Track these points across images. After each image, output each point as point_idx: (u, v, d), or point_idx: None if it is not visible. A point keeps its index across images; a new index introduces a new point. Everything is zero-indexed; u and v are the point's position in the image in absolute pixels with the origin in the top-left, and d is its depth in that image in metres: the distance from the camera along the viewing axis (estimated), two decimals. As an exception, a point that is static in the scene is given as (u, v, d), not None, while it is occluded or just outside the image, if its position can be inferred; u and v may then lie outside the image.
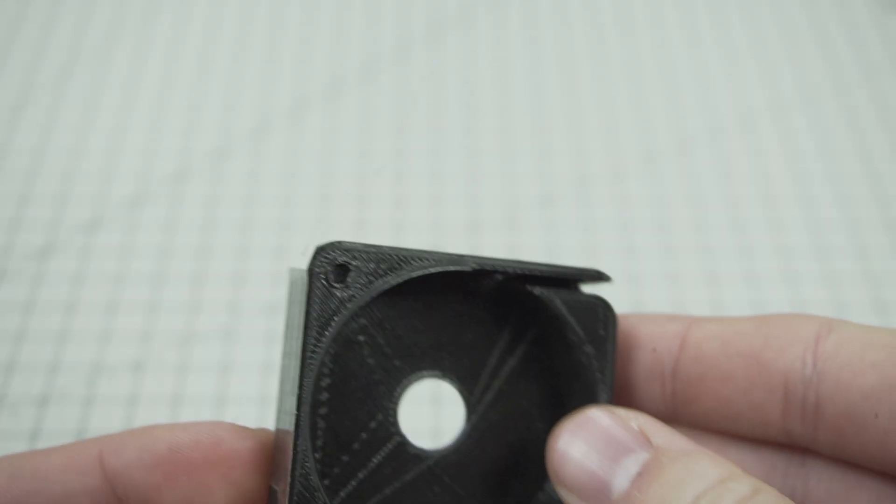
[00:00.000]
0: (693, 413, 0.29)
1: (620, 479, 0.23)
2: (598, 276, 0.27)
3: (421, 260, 0.25)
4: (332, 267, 0.25)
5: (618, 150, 0.54)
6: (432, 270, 0.25)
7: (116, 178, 0.52)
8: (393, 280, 0.25)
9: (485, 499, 0.27)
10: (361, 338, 0.26)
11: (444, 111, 0.55)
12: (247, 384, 0.44)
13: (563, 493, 0.24)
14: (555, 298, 0.26)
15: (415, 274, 0.25)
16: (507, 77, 0.57)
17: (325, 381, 0.26)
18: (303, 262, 0.25)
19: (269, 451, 0.27)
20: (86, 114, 0.55)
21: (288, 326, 0.26)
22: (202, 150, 0.54)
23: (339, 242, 0.25)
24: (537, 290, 0.26)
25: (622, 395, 0.29)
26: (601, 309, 0.27)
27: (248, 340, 0.46)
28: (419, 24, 0.60)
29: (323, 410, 0.26)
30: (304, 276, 0.25)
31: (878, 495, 0.27)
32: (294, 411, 0.25)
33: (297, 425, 0.25)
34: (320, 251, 0.25)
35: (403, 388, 0.27)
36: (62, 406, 0.43)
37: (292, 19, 0.60)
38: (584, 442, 0.24)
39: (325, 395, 0.26)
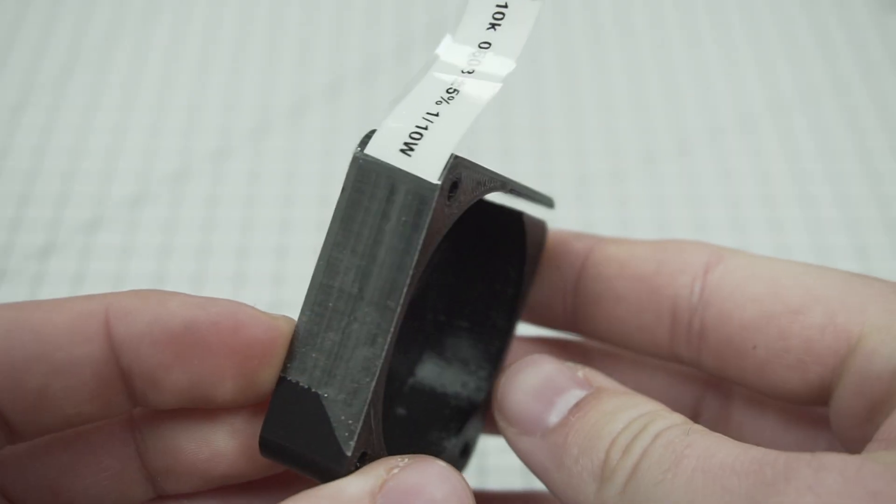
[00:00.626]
0: (591, 331, 0.30)
1: (559, 408, 0.25)
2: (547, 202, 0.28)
3: (492, 182, 0.26)
4: (450, 184, 0.24)
5: (618, 150, 0.54)
6: (493, 192, 0.26)
7: (116, 178, 0.52)
8: (479, 194, 0.25)
9: (439, 347, 0.30)
10: None
11: (445, 111, 0.55)
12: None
13: (503, 426, 0.26)
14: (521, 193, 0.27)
15: (494, 190, 0.26)
16: (507, 77, 0.57)
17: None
18: (365, 147, 0.24)
19: (287, 340, 0.25)
20: (86, 114, 0.55)
21: (349, 221, 0.24)
22: (202, 150, 0.54)
23: (460, 159, 0.24)
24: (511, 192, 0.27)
25: (528, 309, 0.31)
26: (540, 230, 0.29)
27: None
28: (419, 24, 0.60)
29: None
30: (408, 182, 0.23)
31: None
32: (378, 321, 0.23)
33: (388, 342, 0.23)
34: (452, 168, 0.24)
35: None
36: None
37: (292, 19, 0.60)
38: (527, 378, 0.26)
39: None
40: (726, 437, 0.23)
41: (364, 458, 0.23)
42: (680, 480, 0.22)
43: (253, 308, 0.25)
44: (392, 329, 0.23)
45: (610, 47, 0.59)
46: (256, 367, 0.24)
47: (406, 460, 0.24)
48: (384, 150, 0.23)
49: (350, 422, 0.23)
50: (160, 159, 0.53)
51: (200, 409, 0.25)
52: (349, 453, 0.23)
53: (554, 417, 0.25)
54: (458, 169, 0.23)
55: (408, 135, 0.23)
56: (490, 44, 0.26)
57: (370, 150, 0.23)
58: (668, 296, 0.28)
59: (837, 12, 0.60)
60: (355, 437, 0.23)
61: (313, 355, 0.24)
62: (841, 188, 0.52)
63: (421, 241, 0.23)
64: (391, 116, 0.24)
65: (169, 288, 0.48)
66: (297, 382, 0.24)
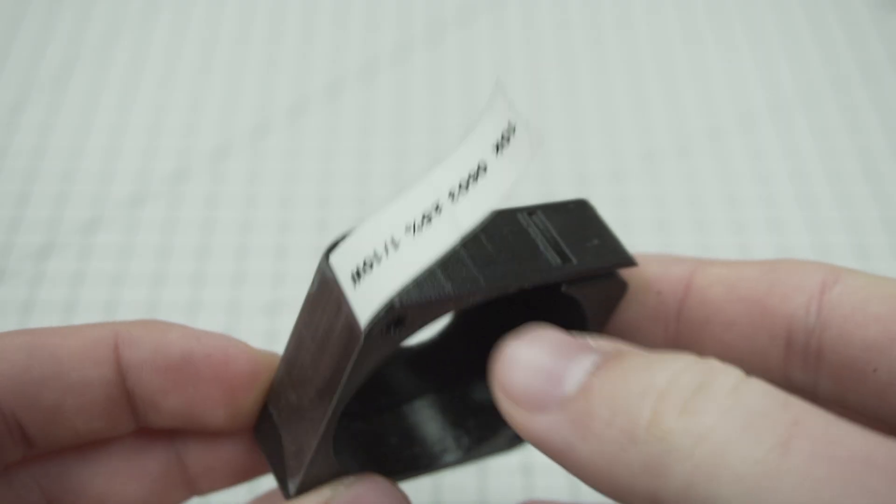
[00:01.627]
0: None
1: (575, 374, 0.21)
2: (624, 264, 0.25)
3: (466, 297, 0.23)
4: (385, 325, 0.23)
5: (617, 150, 0.54)
6: (479, 301, 0.24)
7: (116, 177, 0.52)
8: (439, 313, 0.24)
9: (447, 394, 0.29)
10: None
11: (444, 111, 0.55)
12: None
13: (507, 406, 0.22)
14: (583, 291, 0.25)
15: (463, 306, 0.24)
16: (507, 77, 0.57)
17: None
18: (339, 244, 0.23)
19: (272, 375, 0.27)
20: (85, 113, 0.55)
21: (312, 312, 0.25)
22: (202, 149, 0.53)
23: (396, 309, 0.23)
24: (569, 290, 0.25)
25: (625, 338, 0.28)
26: (616, 290, 0.26)
27: (247, 340, 0.45)
28: (419, 24, 0.60)
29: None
30: (347, 312, 0.23)
31: None
32: (318, 407, 0.25)
33: (324, 427, 0.25)
34: (388, 310, 0.22)
35: None
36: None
37: (292, 19, 0.60)
38: (530, 347, 0.22)
39: None
40: (839, 417, 0.19)
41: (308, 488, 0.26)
42: (794, 466, 0.18)
43: (243, 343, 0.27)
44: (325, 420, 0.25)
45: (609, 47, 0.59)
46: (241, 396, 0.27)
47: (352, 479, 0.26)
48: (342, 266, 0.23)
49: (295, 468, 0.26)
50: (159, 159, 0.53)
51: None
52: (291, 492, 0.26)
53: (571, 384, 0.21)
54: (397, 311, 0.22)
55: (363, 258, 0.22)
56: (486, 170, 0.23)
57: (334, 258, 0.23)
58: (782, 317, 0.26)
59: (838, 12, 0.60)
60: (297, 483, 0.26)
61: (283, 398, 0.26)
62: (841, 188, 0.52)
63: (348, 370, 0.23)
64: (360, 229, 0.22)
65: (168, 288, 0.48)
66: (271, 414, 0.27)
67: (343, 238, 0.23)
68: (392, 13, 0.60)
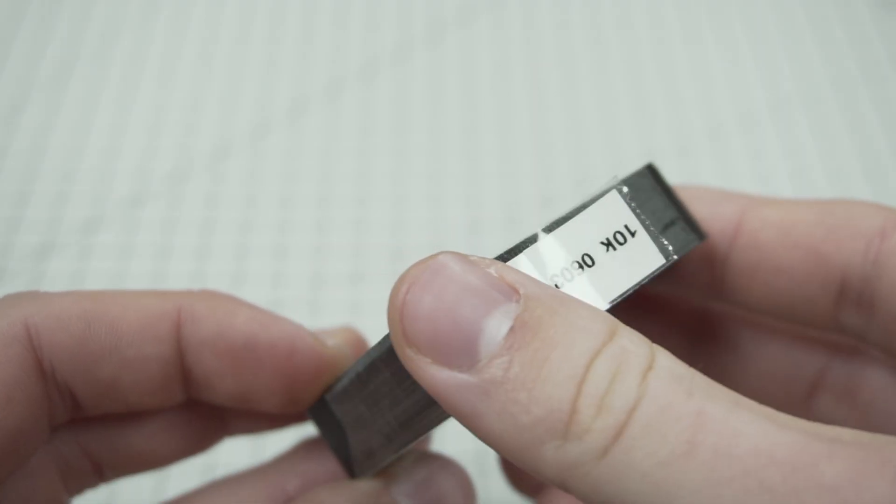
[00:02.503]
0: (741, 300, 0.27)
1: (489, 336, 0.19)
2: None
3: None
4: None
5: (618, 150, 0.54)
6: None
7: (115, 177, 0.52)
8: None
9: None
10: None
11: (444, 111, 0.55)
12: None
13: (409, 354, 0.20)
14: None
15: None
16: (507, 76, 0.57)
17: None
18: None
19: (334, 372, 0.27)
20: (84, 113, 0.55)
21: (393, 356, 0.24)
22: (202, 149, 0.53)
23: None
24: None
25: (666, 275, 0.27)
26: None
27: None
28: (419, 24, 0.60)
29: None
30: None
31: None
32: (390, 436, 0.24)
33: (395, 452, 0.24)
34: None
35: None
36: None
37: (292, 19, 0.60)
38: (436, 292, 0.20)
39: None
40: (744, 399, 0.18)
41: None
42: (697, 466, 0.18)
43: (311, 336, 0.27)
44: (405, 446, 0.24)
45: (610, 47, 0.59)
46: (301, 389, 0.26)
47: (414, 459, 0.25)
48: None
49: (366, 467, 0.25)
50: (159, 159, 0.53)
51: None
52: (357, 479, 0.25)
53: (484, 347, 0.19)
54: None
55: None
56: (592, 264, 0.21)
57: None
58: (837, 265, 0.25)
59: (838, 11, 0.60)
60: (364, 477, 0.25)
61: (350, 404, 0.25)
62: (842, 187, 0.52)
63: (434, 418, 0.23)
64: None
65: (167, 286, 0.48)
66: (332, 409, 0.26)
67: None
68: (392, 13, 0.60)
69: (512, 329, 0.19)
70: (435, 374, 0.19)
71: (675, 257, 0.21)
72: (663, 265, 0.21)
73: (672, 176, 0.52)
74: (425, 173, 0.52)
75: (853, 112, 0.55)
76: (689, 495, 0.17)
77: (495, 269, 0.20)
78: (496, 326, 0.19)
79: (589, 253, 0.21)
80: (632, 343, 0.19)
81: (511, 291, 0.19)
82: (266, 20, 0.60)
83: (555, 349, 0.19)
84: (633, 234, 0.21)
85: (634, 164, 0.53)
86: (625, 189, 0.22)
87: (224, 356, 0.26)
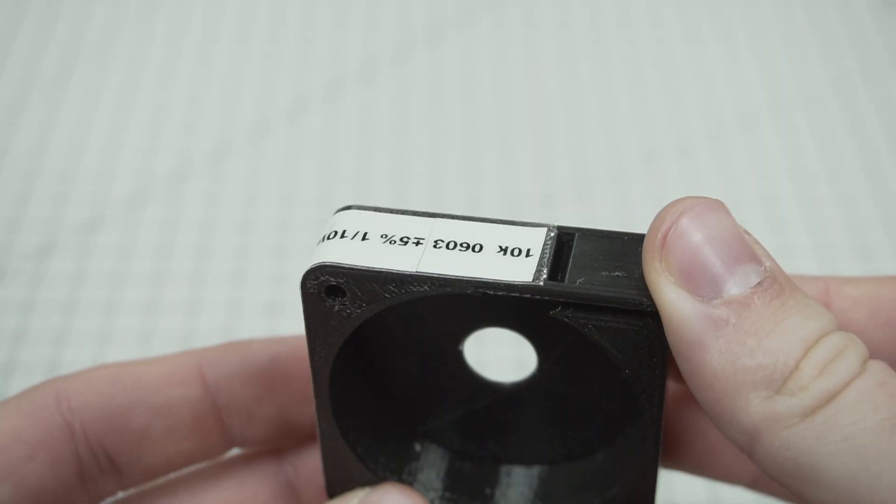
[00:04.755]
0: None
1: (739, 280, 0.21)
2: (639, 305, 0.22)
3: (419, 284, 0.22)
4: (324, 288, 0.23)
5: (618, 150, 0.54)
6: (429, 294, 0.22)
7: (115, 177, 0.52)
8: (389, 302, 0.23)
9: (564, 428, 0.27)
10: (399, 313, 0.25)
11: (444, 111, 0.55)
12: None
13: (656, 267, 0.21)
14: (586, 325, 0.22)
15: (405, 299, 0.23)
16: (507, 76, 0.57)
17: (372, 343, 0.26)
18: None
19: None
20: (85, 113, 0.55)
21: None
22: (202, 149, 0.53)
23: (328, 267, 0.23)
24: (561, 315, 0.22)
25: None
26: (645, 337, 0.22)
27: (247, 340, 0.45)
28: (419, 24, 0.60)
29: (369, 373, 0.26)
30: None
31: None
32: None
33: (318, 409, 0.25)
34: (309, 275, 0.23)
35: (465, 335, 0.26)
36: (61, 406, 0.43)
37: (292, 19, 0.60)
38: (711, 226, 0.21)
39: (373, 358, 0.26)
40: None
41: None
42: None
43: None
44: (319, 430, 0.25)
45: (610, 47, 0.59)
46: None
47: (373, 488, 0.26)
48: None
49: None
50: (159, 159, 0.53)
51: None
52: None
53: (733, 288, 0.21)
54: (328, 270, 0.23)
55: (346, 228, 0.25)
56: (479, 250, 0.23)
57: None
58: None
59: (838, 11, 0.60)
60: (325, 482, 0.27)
61: None
62: (842, 187, 0.52)
63: (305, 324, 0.24)
64: (376, 212, 0.25)
65: (168, 288, 0.48)
66: None
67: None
68: (392, 13, 0.60)
69: (760, 283, 0.21)
70: (674, 295, 0.21)
71: (541, 283, 0.22)
72: (521, 283, 0.22)
73: (672, 176, 0.52)
74: (425, 173, 0.52)
75: (853, 112, 0.55)
76: (890, 464, 0.18)
77: (759, 248, 0.22)
78: (746, 274, 0.21)
79: (482, 244, 0.23)
80: (855, 338, 0.21)
81: (760, 258, 0.21)
82: (266, 20, 0.60)
83: (792, 315, 0.20)
84: (527, 255, 0.22)
85: (634, 164, 0.53)
86: (554, 232, 0.23)
87: (255, 380, 0.27)
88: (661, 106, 0.56)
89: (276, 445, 0.29)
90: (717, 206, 0.21)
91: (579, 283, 0.22)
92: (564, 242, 0.23)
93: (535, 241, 0.23)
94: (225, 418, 0.27)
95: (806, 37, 0.59)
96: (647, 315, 0.22)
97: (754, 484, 0.28)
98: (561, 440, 0.27)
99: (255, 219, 0.50)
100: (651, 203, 0.51)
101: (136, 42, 0.58)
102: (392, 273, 0.22)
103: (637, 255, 0.22)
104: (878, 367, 0.20)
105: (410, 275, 0.22)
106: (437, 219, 0.23)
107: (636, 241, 0.22)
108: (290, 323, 0.45)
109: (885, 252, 0.49)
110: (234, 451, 0.29)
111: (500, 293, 0.22)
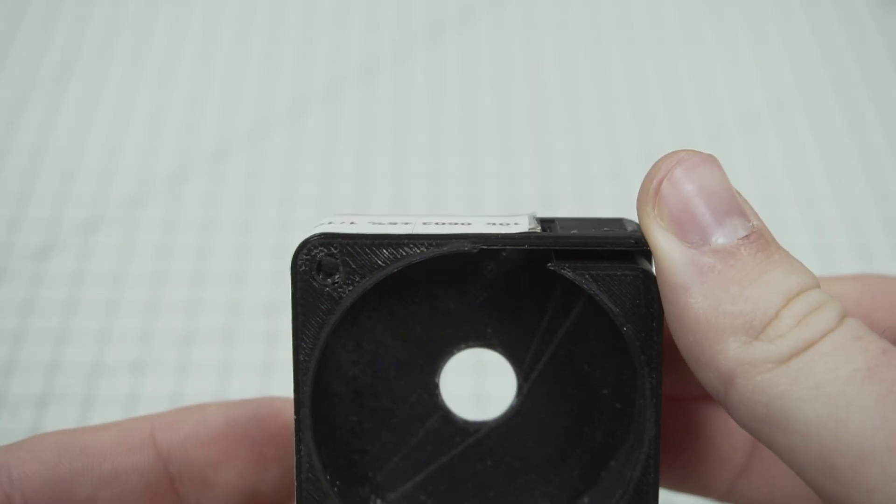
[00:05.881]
0: None
1: (727, 230, 0.22)
2: (636, 245, 0.23)
3: (414, 245, 0.22)
4: (316, 264, 0.23)
5: (618, 149, 0.54)
6: (425, 257, 0.23)
7: (116, 177, 0.52)
8: (383, 273, 0.23)
9: (545, 471, 0.26)
10: (381, 318, 0.24)
11: (444, 111, 0.55)
12: (247, 384, 0.44)
13: (649, 213, 0.22)
14: (584, 275, 0.23)
15: (400, 266, 0.23)
16: (507, 76, 0.57)
17: (351, 361, 0.25)
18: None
19: None
20: (85, 113, 0.55)
21: None
22: (202, 149, 0.53)
23: (320, 236, 0.23)
24: (558, 267, 0.23)
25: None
26: (642, 284, 0.23)
27: (248, 340, 0.45)
28: (419, 23, 0.60)
29: (350, 390, 0.25)
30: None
31: None
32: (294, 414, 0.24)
33: (299, 429, 0.24)
34: (300, 249, 0.23)
35: (442, 361, 0.25)
36: (61, 406, 0.43)
37: (292, 18, 0.60)
38: (705, 178, 0.23)
39: (353, 372, 0.25)
40: None
41: None
42: (871, 389, 0.19)
43: (284, 397, 0.26)
44: (296, 427, 0.24)
45: (610, 47, 0.59)
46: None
47: None
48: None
49: None
50: (159, 159, 0.53)
51: None
52: None
53: (721, 238, 0.22)
54: (317, 240, 0.23)
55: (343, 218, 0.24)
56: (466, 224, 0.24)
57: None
58: (890, 329, 0.25)
59: (838, 11, 0.60)
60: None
61: None
62: (842, 187, 0.52)
63: (293, 313, 0.23)
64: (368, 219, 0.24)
65: (168, 288, 0.48)
66: None
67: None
68: (392, 13, 0.60)
69: (747, 236, 0.22)
70: (665, 240, 0.22)
71: (537, 230, 0.23)
72: (517, 233, 0.23)
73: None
74: (425, 173, 0.52)
75: (853, 112, 0.55)
76: (858, 412, 0.19)
77: (745, 204, 0.23)
78: (734, 227, 0.22)
79: (471, 222, 0.23)
80: (834, 297, 0.21)
81: (748, 215, 0.22)
82: (266, 20, 0.60)
83: (776, 268, 0.21)
84: (515, 224, 0.23)
85: (634, 164, 0.53)
86: (535, 220, 0.24)
87: (211, 444, 0.26)
88: (661, 106, 0.56)
89: None
90: (711, 160, 0.23)
91: (572, 232, 0.23)
92: (547, 223, 0.24)
93: (521, 219, 0.23)
94: (178, 487, 0.26)
95: (806, 37, 0.59)
96: (642, 258, 0.23)
97: (725, 496, 0.28)
98: (541, 489, 0.26)
99: (255, 219, 0.50)
100: (651, 203, 0.51)
101: (136, 42, 0.58)
102: (387, 235, 0.22)
103: (620, 225, 0.23)
104: (854, 324, 0.21)
105: (405, 235, 0.22)
106: (425, 215, 0.24)
107: (615, 220, 0.24)
108: (290, 322, 0.45)
109: (885, 252, 0.49)
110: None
111: (497, 246, 0.22)
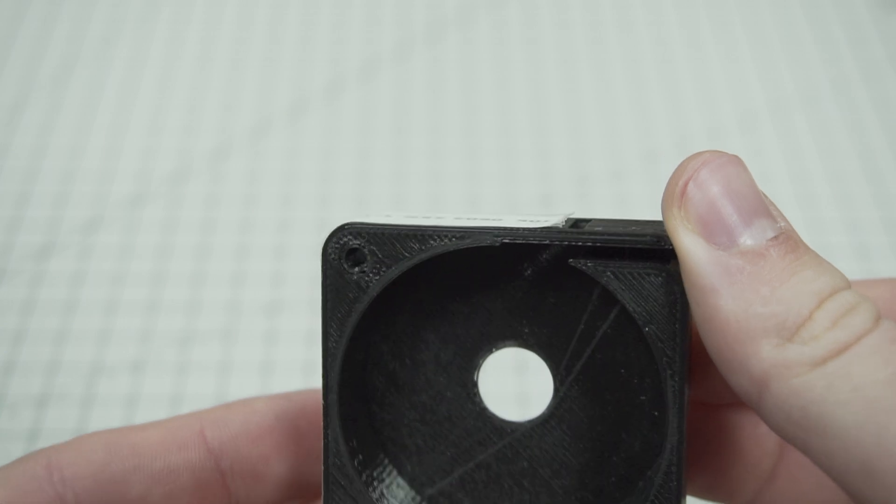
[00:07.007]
0: None
1: (755, 232, 0.21)
2: (656, 242, 0.22)
3: (439, 238, 0.23)
4: (345, 252, 0.24)
5: (618, 150, 0.54)
6: (448, 249, 0.23)
7: (116, 177, 0.52)
8: (408, 263, 0.23)
9: (581, 476, 0.25)
10: (418, 314, 0.25)
11: (445, 111, 0.55)
12: (246, 384, 0.44)
13: (675, 214, 0.22)
14: (605, 272, 0.23)
15: (424, 257, 0.23)
16: (508, 76, 0.57)
17: (391, 354, 0.25)
18: None
19: None
20: (85, 113, 0.55)
21: None
22: (202, 149, 0.53)
23: (349, 225, 0.23)
24: (580, 264, 0.23)
25: None
26: (665, 283, 0.22)
27: (247, 340, 0.46)
28: (419, 23, 0.60)
29: (390, 382, 0.25)
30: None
31: None
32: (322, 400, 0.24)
33: (326, 414, 0.24)
34: (331, 237, 0.23)
35: (480, 359, 0.25)
36: (61, 406, 0.43)
37: (292, 18, 0.60)
38: (732, 178, 0.22)
39: (393, 366, 0.25)
40: None
41: None
42: None
43: None
44: (324, 412, 0.24)
45: (610, 47, 0.59)
46: None
47: None
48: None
49: None
50: (159, 159, 0.53)
51: None
52: None
53: (749, 239, 0.21)
54: (348, 230, 0.23)
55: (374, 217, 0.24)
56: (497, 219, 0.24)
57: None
58: None
59: (838, 12, 0.60)
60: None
61: None
62: (841, 188, 0.52)
63: (322, 299, 0.24)
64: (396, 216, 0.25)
65: (168, 288, 0.48)
66: None
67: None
68: (392, 12, 0.60)
69: (776, 237, 0.21)
70: (690, 241, 0.21)
71: (560, 225, 0.23)
72: (540, 227, 0.23)
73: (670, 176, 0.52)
74: (425, 172, 0.52)
75: (853, 112, 0.55)
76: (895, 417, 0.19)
77: (772, 206, 0.22)
78: (762, 228, 0.21)
79: (502, 219, 0.24)
80: (867, 297, 0.21)
81: (775, 216, 0.22)
82: (266, 20, 0.60)
83: (807, 269, 0.21)
84: (545, 222, 0.23)
85: (634, 164, 0.53)
86: (570, 217, 0.24)
87: (262, 439, 0.26)
88: (661, 106, 0.56)
89: None
90: (737, 160, 0.22)
91: (597, 229, 0.23)
92: (580, 224, 0.24)
93: (553, 219, 0.23)
94: (229, 483, 0.26)
95: (805, 37, 0.59)
96: (666, 259, 0.22)
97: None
98: (577, 494, 0.25)
99: (255, 219, 0.50)
100: (651, 203, 0.51)
101: (136, 42, 0.59)
102: (413, 227, 0.23)
103: (651, 226, 0.23)
104: (890, 325, 0.20)
105: (431, 227, 0.23)
106: (462, 215, 0.24)
107: (655, 223, 0.23)
108: (290, 322, 0.45)
109: (885, 253, 0.49)
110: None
111: (520, 241, 0.23)
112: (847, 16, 0.60)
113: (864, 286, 0.26)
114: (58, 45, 0.58)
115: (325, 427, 0.24)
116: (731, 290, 0.20)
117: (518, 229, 0.23)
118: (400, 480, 0.26)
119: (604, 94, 0.56)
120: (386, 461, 0.26)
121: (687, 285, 0.21)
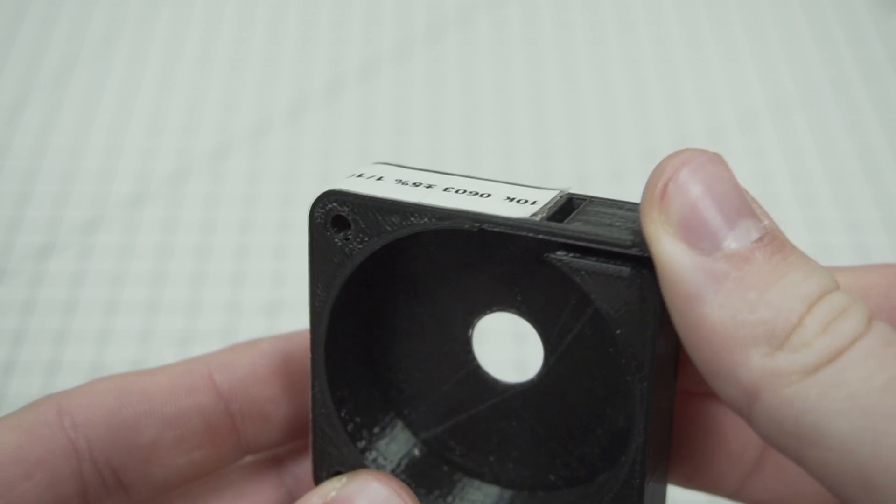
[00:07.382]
0: None
1: (739, 234, 0.20)
2: (631, 248, 0.21)
3: (420, 216, 0.23)
4: (331, 217, 0.24)
5: (618, 150, 0.54)
6: (426, 228, 0.23)
7: (116, 177, 0.52)
8: (389, 237, 0.23)
9: (567, 443, 0.26)
10: (410, 271, 0.25)
11: (445, 110, 0.55)
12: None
13: (655, 219, 0.21)
14: (579, 271, 0.22)
15: (403, 234, 0.23)
16: (508, 76, 0.57)
17: (390, 302, 0.25)
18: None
19: None
20: (85, 113, 0.55)
21: None
22: (202, 149, 0.53)
23: (336, 192, 0.24)
24: (554, 259, 0.22)
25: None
26: (638, 288, 0.22)
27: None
28: (419, 23, 0.60)
29: (389, 328, 0.26)
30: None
31: None
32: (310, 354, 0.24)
33: (313, 368, 0.24)
34: (318, 201, 0.24)
35: (474, 318, 0.25)
36: (62, 406, 0.43)
37: (292, 18, 0.60)
38: (706, 176, 0.21)
39: (394, 314, 0.25)
40: None
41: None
42: None
43: None
44: (311, 366, 0.25)
45: (610, 47, 0.59)
46: None
47: (345, 478, 0.25)
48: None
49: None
50: (160, 159, 0.53)
51: None
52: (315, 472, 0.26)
53: (733, 242, 0.20)
54: (335, 196, 0.24)
55: (364, 173, 0.25)
56: (486, 196, 0.24)
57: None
58: None
59: (838, 12, 0.60)
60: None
61: None
62: (841, 188, 0.52)
63: (309, 260, 0.24)
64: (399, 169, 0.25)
65: (168, 288, 0.48)
66: None
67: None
68: (392, 12, 0.60)
69: (761, 238, 0.20)
70: (672, 248, 0.20)
71: (536, 219, 0.22)
72: (516, 218, 0.22)
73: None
74: (425, 173, 0.53)
75: (853, 112, 0.55)
76: (893, 425, 0.18)
77: (756, 206, 0.21)
78: (747, 229, 0.20)
79: (491, 194, 0.23)
80: (858, 298, 0.20)
81: (758, 215, 0.21)
82: (266, 20, 0.60)
83: (794, 271, 0.20)
84: (532, 204, 0.23)
85: (634, 164, 0.53)
86: (565, 195, 0.24)
87: (270, 380, 0.26)
88: (661, 106, 0.56)
89: (292, 447, 0.28)
90: (718, 158, 0.21)
91: (574, 225, 0.22)
92: (573, 203, 0.24)
93: (544, 197, 0.23)
94: (239, 424, 0.26)
95: (805, 37, 0.59)
96: (639, 262, 0.21)
97: (736, 494, 0.27)
98: (562, 459, 0.26)
99: (255, 219, 0.50)
100: (651, 203, 0.51)
101: (137, 42, 0.59)
102: (395, 202, 0.23)
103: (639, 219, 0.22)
104: (882, 328, 0.19)
105: (412, 204, 0.23)
106: (457, 176, 0.24)
107: None
108: (290, 322, 0.45)
109: (885, 253, 0.49)
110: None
111: (496, 229, 0.22)
112: (847, 16, 0.60)
113: (858, 272, 0.25)
114: (58, 45, 0.58)
115: (313, 380, 0.25)
116: (717, 298, 0.19)
117: (497, 217, 0.22)
118: (398, 423, 0.26)
119: (604, 93, 0.56)
120: (383, 405, 0.26)
121: (669, 294, 0.20)
